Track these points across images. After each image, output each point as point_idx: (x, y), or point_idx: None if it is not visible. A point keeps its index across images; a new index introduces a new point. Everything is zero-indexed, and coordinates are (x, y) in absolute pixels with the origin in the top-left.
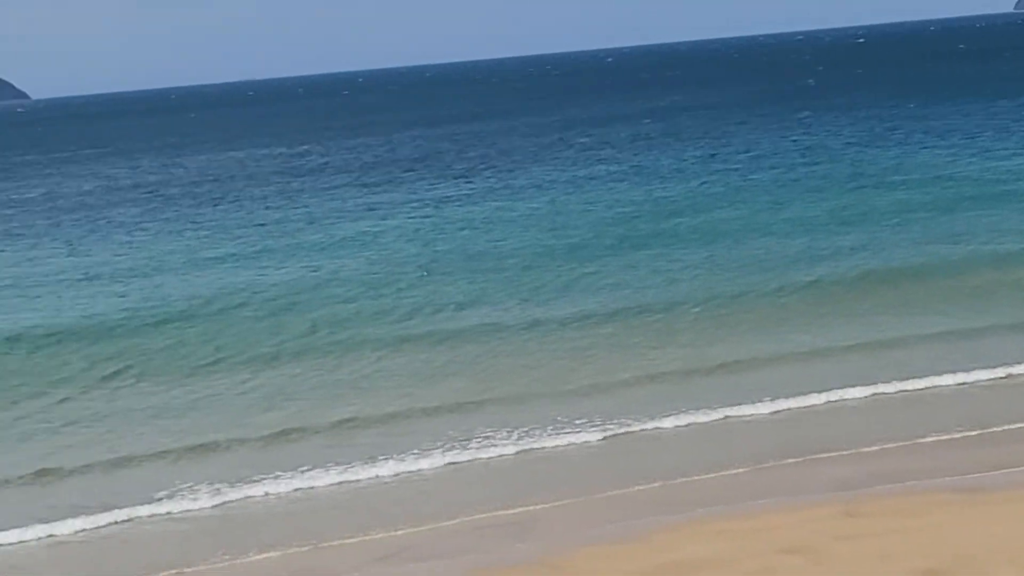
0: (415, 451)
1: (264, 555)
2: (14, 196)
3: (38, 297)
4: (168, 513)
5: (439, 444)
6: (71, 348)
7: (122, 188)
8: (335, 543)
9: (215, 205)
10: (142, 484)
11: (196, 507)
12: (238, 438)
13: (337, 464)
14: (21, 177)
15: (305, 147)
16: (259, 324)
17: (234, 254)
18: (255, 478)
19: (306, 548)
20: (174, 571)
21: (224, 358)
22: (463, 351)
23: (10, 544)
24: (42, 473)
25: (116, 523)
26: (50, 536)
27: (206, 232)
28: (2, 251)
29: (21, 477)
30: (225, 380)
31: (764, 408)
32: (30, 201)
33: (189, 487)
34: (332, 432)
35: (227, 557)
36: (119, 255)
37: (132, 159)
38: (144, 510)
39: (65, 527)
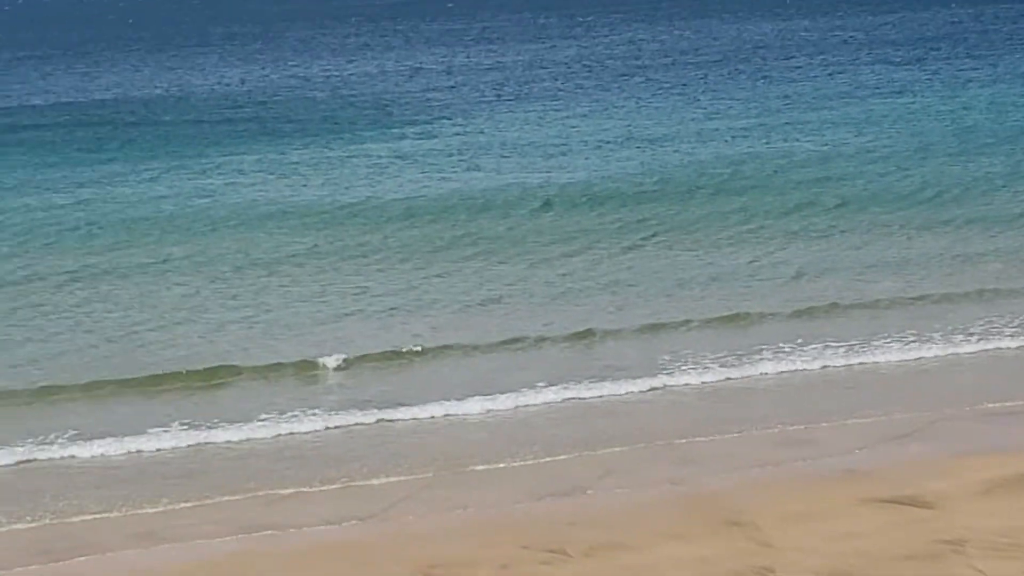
0: (924, 336)
1: (756, 431)
2: (539, 57)
3: (564, 156)
4: (671, 386)
5: (953, 331)
6: (601, 211)
7: (645, 54)
8: (835, 423)
9: (735, 76)
10: (662, 352)
11: (701, 381)
12: (757, 312)
13: (844, 343)
14: (547, 39)
15: (829, 21)
16: (787, 197)
17: (762, 124)
18: (765, 354)
19: (803, 426)
20: (663, 442)
21: (751, 230)
22: (995, 235)
23: (547, 403)
24: (582, 334)
25: (626, 393)
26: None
27: (729, 102)
28: (528, 111)
29: (564, 337)
30: (750, 252)
31: None
32: (558, 63)
33: (697, 358)
34: (847, 313)
35: (722, 429)
36: (647, 120)
37: (654, 24)
38: (664, 380)
39: (590, 390)
